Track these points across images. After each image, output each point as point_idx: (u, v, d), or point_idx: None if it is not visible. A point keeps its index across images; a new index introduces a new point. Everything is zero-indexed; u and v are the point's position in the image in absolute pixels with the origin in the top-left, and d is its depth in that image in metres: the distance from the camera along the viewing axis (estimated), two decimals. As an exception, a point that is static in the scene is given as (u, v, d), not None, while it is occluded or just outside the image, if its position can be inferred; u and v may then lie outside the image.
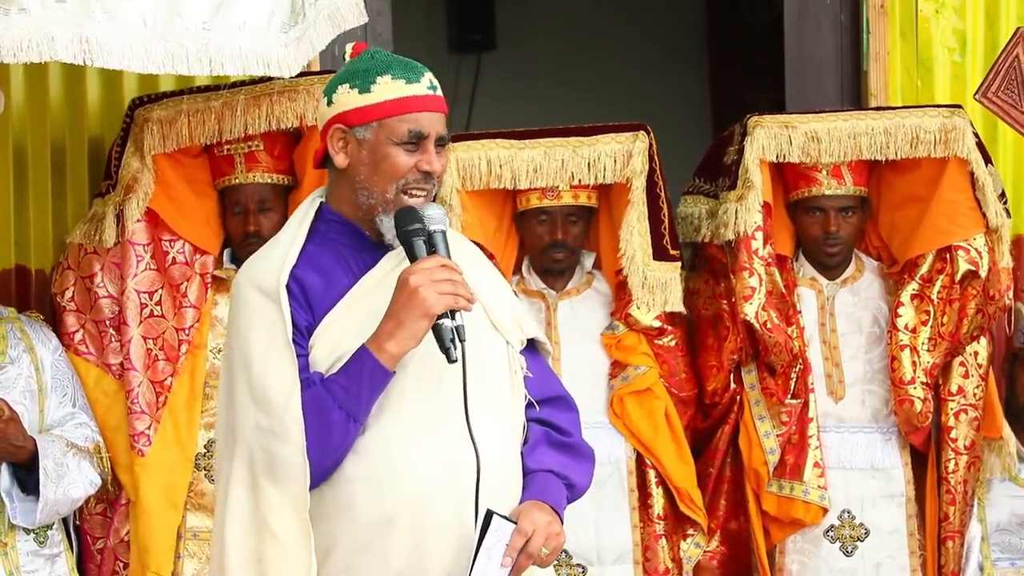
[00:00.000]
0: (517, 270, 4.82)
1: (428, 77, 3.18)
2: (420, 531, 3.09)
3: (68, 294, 4.58)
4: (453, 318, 3.04)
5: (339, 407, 3.06)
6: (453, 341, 3.04)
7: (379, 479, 3.09)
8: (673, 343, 4.69)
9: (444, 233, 3.12)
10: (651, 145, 4.67)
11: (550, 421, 3.31)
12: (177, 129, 4.50)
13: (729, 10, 7.83)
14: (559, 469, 3.26)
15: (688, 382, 4.71)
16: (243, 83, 4.51)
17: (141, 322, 4.50)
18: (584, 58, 7.76)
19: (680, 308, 4.66)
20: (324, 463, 3.07)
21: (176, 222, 4.55)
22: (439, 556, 3.11)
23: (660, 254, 4.64)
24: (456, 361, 3.05)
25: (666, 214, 4.67)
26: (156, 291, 4.52)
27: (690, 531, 4.67)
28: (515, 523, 3.09)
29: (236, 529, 3.09)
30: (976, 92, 4.69)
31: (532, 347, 3.33)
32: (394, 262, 3.19)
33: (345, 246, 3.20)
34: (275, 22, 3.70)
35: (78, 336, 4.56)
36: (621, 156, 4.65)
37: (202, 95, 4.52)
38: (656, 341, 4.68)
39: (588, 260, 4.81)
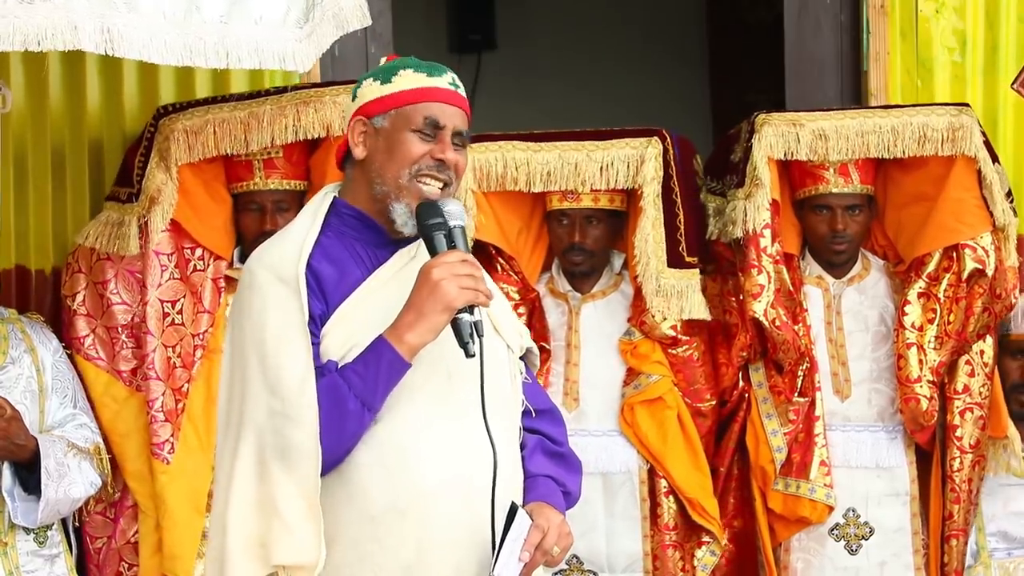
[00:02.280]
0: (548, 269, 4.81)
1: (451, 76, 3.22)
2: (430, 524, 3.10)
3: (79, 298, 4.56)
4: (472, 313, 3.05)
5: (355, 396, 3.06)
6: (472, 336, 3.05)
7: (391, 471, 3.09)
8: (688, 353, 4.65)
9: (463, 229, 3.14)
10: (667, 151, 4.63)
11: (542, 431, 3.34)
12: (203, 140, 4.48)
13: (729, 10, 7.84)
14: (557, 476, 3.30)
15: (707, 392, 4.66)
16: (268, 92, 4.53)
17: (163, 331, 4.48)
18: (584, 58, 7.76)
19: (702, 315, 4.61)
20: (336, 451, 3.07)
21: (196, 230, 4.54)
22: (449, 550, 3.11)
23: (675, 261, 4.60)
24: (474, 356, 3.06)
25: (682, 221, 4.62)
26: (179, 300, 4.51)
27: (705, 539, 4.63)
28: (532, 520, 3.11)
29: (240, 513, 3.06)
30: (1014, 82, 4.70)
31: (522, 359, 3.37)
32: (406, 258, 3.21)
33: (358, 240, 3.21)
34: (291, 17, 3.72)
35: (88, 340, 4.55)
36: (634, 161, 4.62)
37: (228, 104, 4.52)
38: (670, 350, 4.64)
39: (618, 261, 4.77)
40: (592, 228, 4.68)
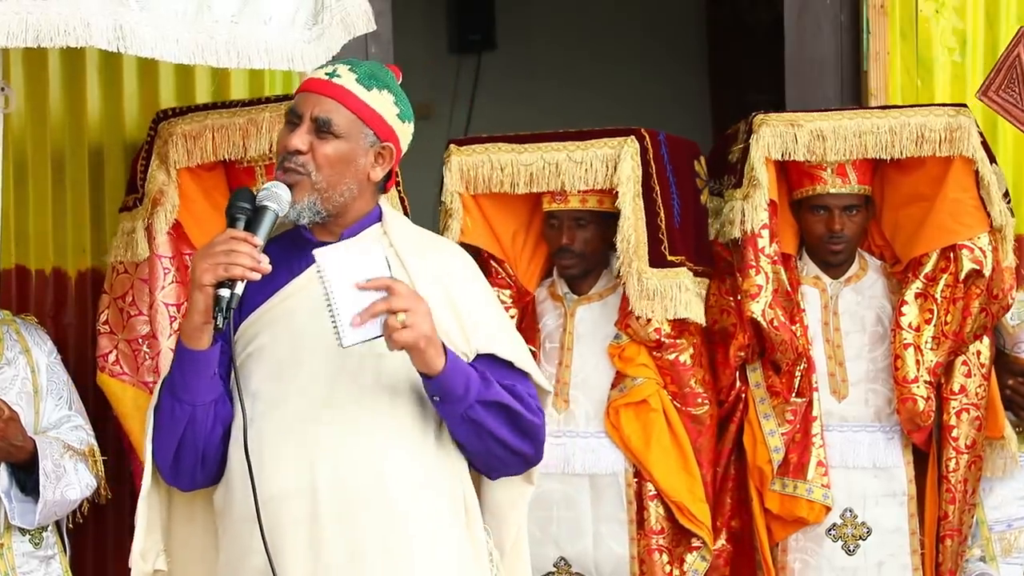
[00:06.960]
0: (550, 273, 4.78)
1: (337, 67, 3.22)
2: (276, 531, 3.08)
3: (103, 317, 4.53)
4: (233, 288, 3.04)
5: (169, 390, 3.13)
6: (220, 311, 3.04)
7: (246, 477, 3.08)
8: (674, 356, 4.57)
9: (268, 209, 3.11)
10: (647, 150, 4.57)
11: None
12: (202, 144, 4.46)
13: (729, 10, 7.84)
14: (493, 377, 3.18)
15: (700, 397, 4.59)
16: (268, 99, 4.51)
17: (171, 335, 4.43)
18: (584, 58, 7.77)
19: (689, 315, 4.54)
20: (168, 448, 3.14)
21: (196, 236, 4.49)
22: (293, 556, 3.08)
23: (657, 261, 4.54)
24: (221, 331, 3.06)
25: (663, 219, 4.57)
26: (182, 304, 4.46)
27: (696, 543, 4.58)
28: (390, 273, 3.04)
29: None
30: (978, 91, 4.68)
31: (502, 363, 3.26)
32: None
33: (291, 247, 3.22)
34: (300, 18, 3.72)
35: (112, 357, 4.50)
36: (611, 161, 4.56)
37: (227, 110, 4.50)
38: (655, 353, 4.57)
39: (616, 262, 4.68)
40: (581, 230, 4.62)
